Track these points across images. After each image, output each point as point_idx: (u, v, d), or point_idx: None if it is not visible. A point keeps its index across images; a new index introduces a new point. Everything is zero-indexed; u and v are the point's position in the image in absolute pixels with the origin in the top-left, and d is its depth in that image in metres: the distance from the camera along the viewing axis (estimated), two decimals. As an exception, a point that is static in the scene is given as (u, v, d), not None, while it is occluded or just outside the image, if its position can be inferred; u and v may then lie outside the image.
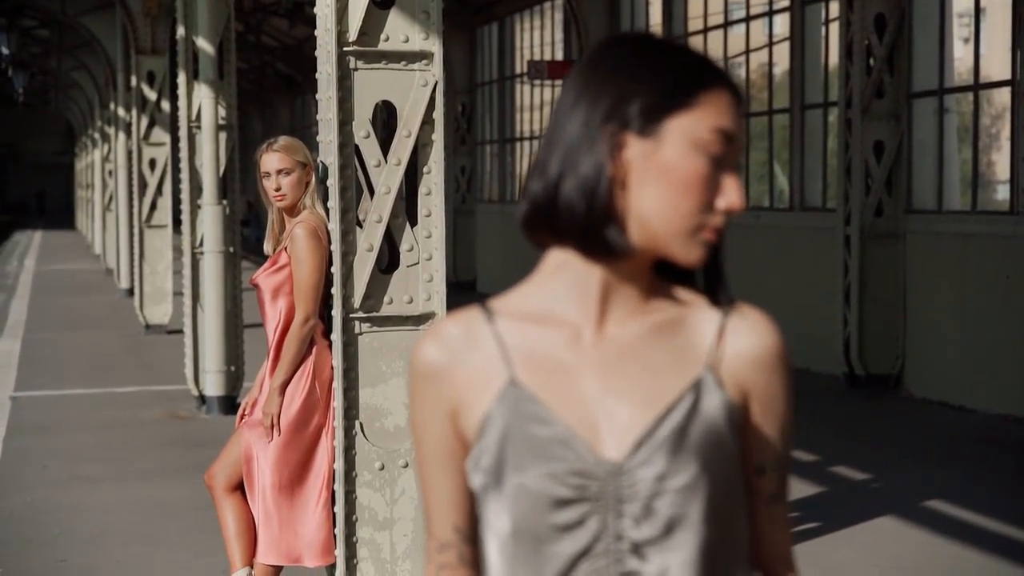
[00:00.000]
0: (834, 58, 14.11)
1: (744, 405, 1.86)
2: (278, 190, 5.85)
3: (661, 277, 1.90)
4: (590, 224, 1.81)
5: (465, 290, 23.24)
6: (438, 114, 5.75)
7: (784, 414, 1.89)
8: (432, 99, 5.74)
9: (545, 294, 1.87)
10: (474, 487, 1.86)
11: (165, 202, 18.10)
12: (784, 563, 1.95)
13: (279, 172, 5.84)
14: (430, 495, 1.91)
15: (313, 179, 5.88)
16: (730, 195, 1.81)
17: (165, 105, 18.01)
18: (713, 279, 1.89)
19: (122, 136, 23.29)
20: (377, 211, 5.70)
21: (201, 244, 11.87)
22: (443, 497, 1.90)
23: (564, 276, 1.86)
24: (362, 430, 5.72)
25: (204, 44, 11.53)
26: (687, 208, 1.79)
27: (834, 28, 14.08)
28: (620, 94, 1.82)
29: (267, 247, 5.96)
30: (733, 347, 1.86)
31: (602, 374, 1.83)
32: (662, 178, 1.79)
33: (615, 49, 1.86)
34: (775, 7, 15.64)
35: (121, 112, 23.11)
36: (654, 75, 1.82)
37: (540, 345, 1.84)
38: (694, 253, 1.81)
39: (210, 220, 11.58)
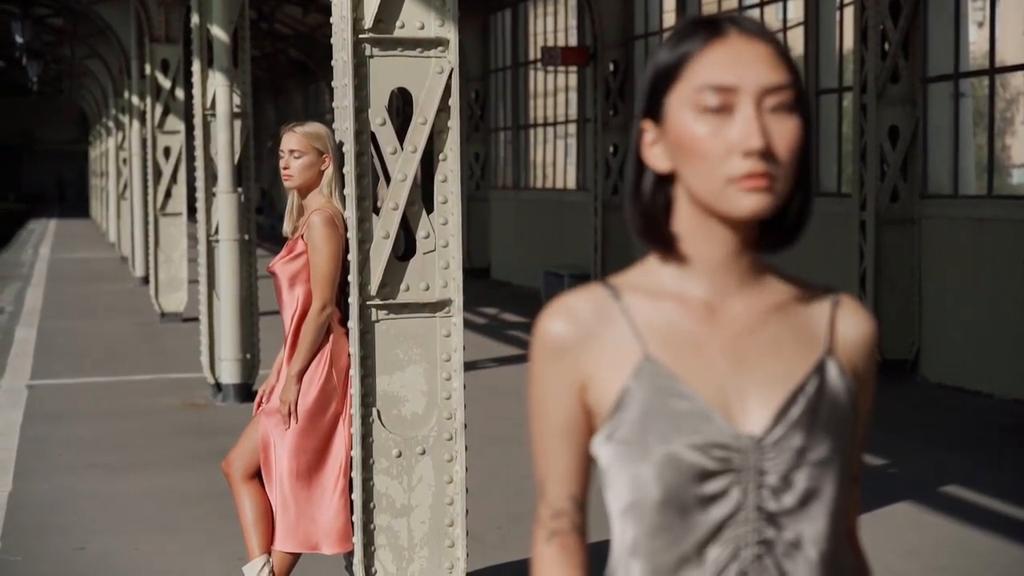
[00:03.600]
0: (849, 43, 14.07)
1: (857, 388, 1.97)
2: (286, 168, 5.90)
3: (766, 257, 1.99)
4: (639, 223, 1.94)
5: (479, 276, 23.23)
6: (454, 101, 5.75)
7: (872, 397, 2.02)
8: (448, 86, 5.74)
9: (664, 274, 1.94)
10: (601, 459, 1.91)
11: (180, 190, 18.13)
12: (856, 540, 2.08)
13: (291, 152, 5.89)
14: (547, 465, 1.97)
15: (330, 169, 5.88)
16: (741, 138, 1.83)
17: (179, 93, 18.02)
18: (786, 227, 1.93)
19: (136, 124, 23.32)
20: (393, 198, 5.71)
21: (216, 232, 11.88)
22: (561, 467, 1.96)
23: (681, 260, 1.93)
24: (379, 417, 5.73)
25: (218, 32, 11.53)
26: (706, 169, 1.84)
27: (849, 12, 14.04)
28: (640, 96, 1.93)
29: (287, 227, 5.97)
30: (844, 332, 1.96)
31: (731, 350, 1.90)
32: (677, 151, 1.87)
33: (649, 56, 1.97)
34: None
35: (135, 100, 23.12)
36: (654, 64, 1.90)
37: (669, 320, 1.91)
38: (741, 205, 1.84)
39: (225, 208, 11.59)
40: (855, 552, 2.07)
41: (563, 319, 1.92)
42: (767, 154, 1.82)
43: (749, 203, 1.83)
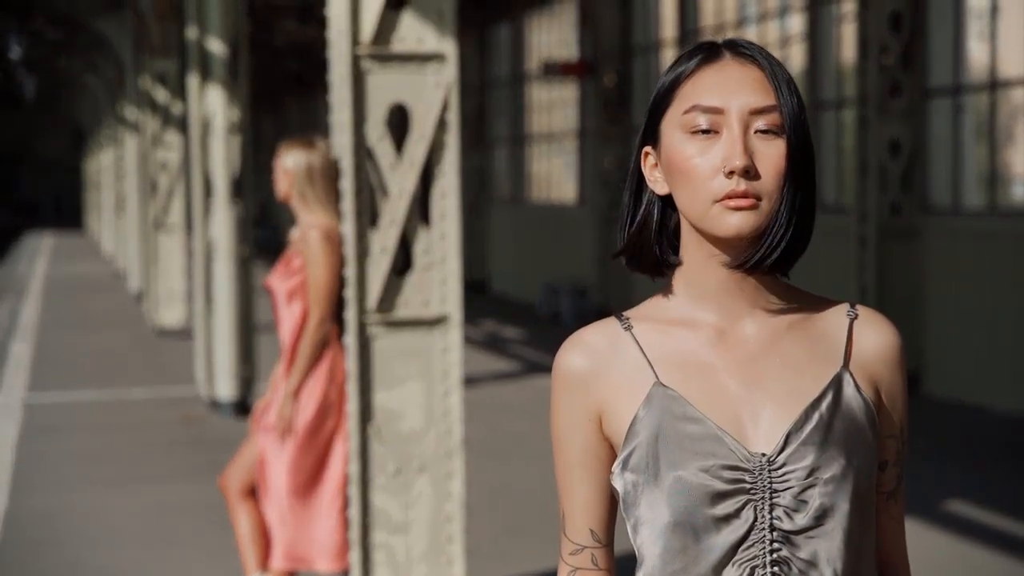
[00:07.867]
0: (849, 56, 14.04)
1: (876, 401, 1.96)
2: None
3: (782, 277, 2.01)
4: (632, 251, 1.98)
5: (477, 290, 23.18)
6: (452, 116, 5.71)
7: (903, 411, 2.00)
8: (446, 101, 5.69)
9: (677, 302, 1.97)
10: (620, 487, 1.93)
11: (177, 204, 18.07)
12: (904, 572, 2.05)
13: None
14: (568, 499, 1.99)
15: (299, 185, 5.87)
16: (725, 158, 1.86)
17: (177, 106, 17.98)
18: (769, 252, 1.91)
19: (133, 138, 23.27)
20: (391, 213, 5.66)
21: (213, 246, 11.84)
22: (581, 501, 1.98)
23: (688, 287, 1.96)
24: (377, 433, 5.68)
25: (216, 45, 11.49)
26: (694, 188, 1.88)
27: (849, 26, 14.01)
28: (643, 124, 1.98)
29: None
30: (861, 345, 1.96)
31: (743, 372, 1.91)
32: (670, 172, 1.91)
33: None
34: (789, 5, 15.58)
35: (132, 114, 23.08)
36: (653, 93, 1.96)
37: (680, 348, 1.93)
38: (725, 224, 1.86)
39: (222, 222, 11.55)
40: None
41: (578, 352, 1.96)
42: (751, 174, 1.86)
43: (734, 222, 1.86)
